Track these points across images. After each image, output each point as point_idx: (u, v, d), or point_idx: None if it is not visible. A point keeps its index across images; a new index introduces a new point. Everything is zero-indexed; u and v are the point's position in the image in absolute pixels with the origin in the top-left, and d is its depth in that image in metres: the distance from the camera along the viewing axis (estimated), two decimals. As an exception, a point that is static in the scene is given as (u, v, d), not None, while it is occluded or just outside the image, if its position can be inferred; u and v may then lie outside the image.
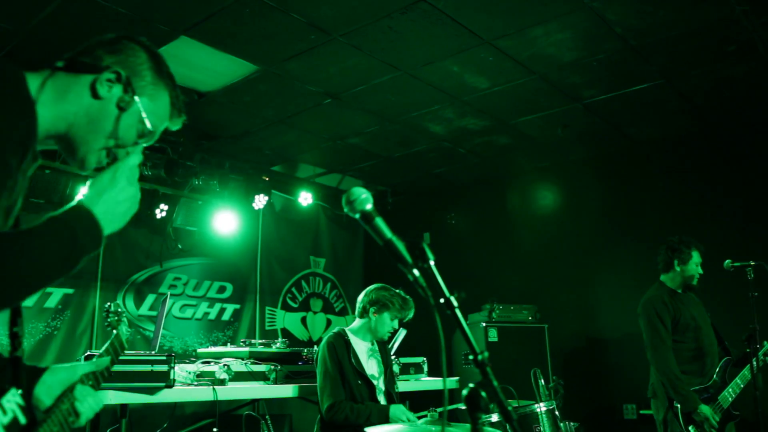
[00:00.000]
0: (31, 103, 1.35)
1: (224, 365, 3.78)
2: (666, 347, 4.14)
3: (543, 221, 6.79)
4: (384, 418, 3.55)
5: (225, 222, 6.43)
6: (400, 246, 1.49)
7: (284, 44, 4.53)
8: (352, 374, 3.69)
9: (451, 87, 5.20)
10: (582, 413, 5.82)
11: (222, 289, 6.68)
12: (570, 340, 6.28)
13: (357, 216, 1.51)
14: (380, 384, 3.85)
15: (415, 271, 1.47)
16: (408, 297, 3.95)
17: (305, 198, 6.97)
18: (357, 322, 3.95)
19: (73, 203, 1.32)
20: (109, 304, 2.00)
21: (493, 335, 5.84)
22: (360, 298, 3.96)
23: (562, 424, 3.18)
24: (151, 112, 1.47)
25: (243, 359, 4.04)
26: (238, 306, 6.75)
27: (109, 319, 1.96)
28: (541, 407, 3.10)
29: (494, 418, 3.12)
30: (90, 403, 1.62)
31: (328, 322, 7.53)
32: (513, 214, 7.03)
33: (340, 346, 3.78)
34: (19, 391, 1.44)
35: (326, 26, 4.28)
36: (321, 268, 7.66)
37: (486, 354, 1.37)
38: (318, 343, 7.21)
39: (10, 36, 4.42)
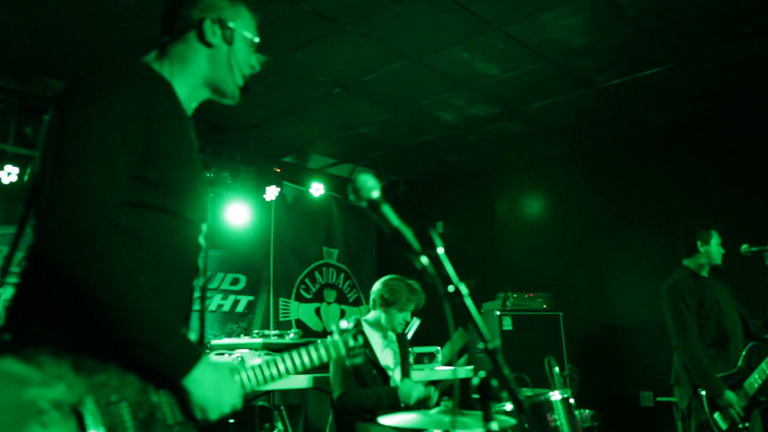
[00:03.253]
0: (167, 85, 1.60)
1: (238, 357, 3.78)
2: (691, 332, 4.04)
3: (557, 208, 6.73)
4: (394, 399, 3.54)
5: (237, 214, 6.43)
6: (408, 234, 1.46)
7: (291, 34, 4.51)
8: (365, 365, 3.68)
9: (461, 74, 5.15)
10: (598, 401, 5.77)
11: (235, 281, 6.69)
12: (585, 328, 6.23)
13: (363, 204, 1.49)
14: (396, 375, 3.84)
15: (424, 259, 1.45)
16: (417, 288, 3.92)
17: (317, 189, 6.96)
18: (372, 314, 3.94)
19: (195, 363, 1.41)
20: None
21: (507, 324, 5.81)
22: (372, 289, 3.95)
23: (577, 412, 3.15)
24: (245, 27, 1.75)
25: (256, 350, 4.04)
26: (251, 297, 6.76)
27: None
28: (555, 395, 3.07)
29: (508, 407, 3.10)
30: None
31: (342, 313, 7.52)
32: (525, 201, 6.98)
33: None
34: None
35: (333, 15, 4.25)
36: (334, 258, 7.65)
37: (497, 342, 1.35)
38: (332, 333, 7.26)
39: (17, 30, 4.43)
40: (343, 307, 7.59)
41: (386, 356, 3.85)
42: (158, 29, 1.74)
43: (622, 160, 6.36)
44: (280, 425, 2.74)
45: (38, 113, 5.02)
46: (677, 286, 4.21)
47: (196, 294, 1.72)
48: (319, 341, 1.95)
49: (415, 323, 4.76)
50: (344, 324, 2.14)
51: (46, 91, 5.30)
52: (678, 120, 6.03)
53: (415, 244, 1.47)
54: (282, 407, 4.14)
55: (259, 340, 4.10)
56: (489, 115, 5.97)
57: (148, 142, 1.44)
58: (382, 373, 3.75)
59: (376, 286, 3.93)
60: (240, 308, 6.66)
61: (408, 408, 3.50)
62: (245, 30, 1.74)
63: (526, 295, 6.02)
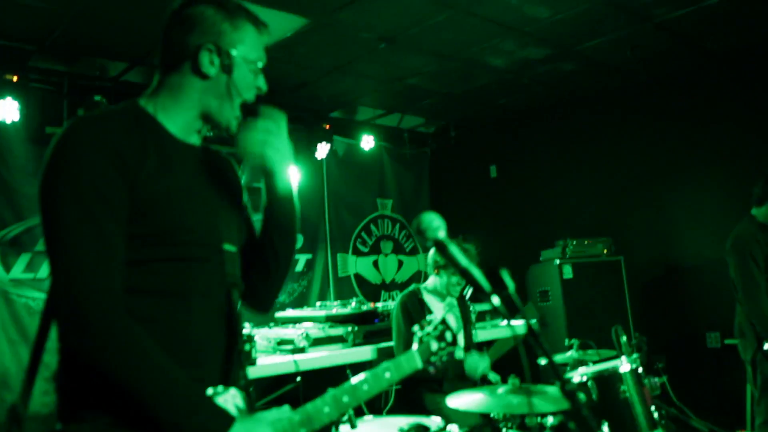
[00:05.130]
0: (149, 118, 1.52)
1: (303, 332, 3.85)
2: (759, 288, 3.90)
3: (613, 147, 6.49)
4: (459, 370, 3.56)
5: (290, 174, 6.42)
6: (477, 274, 1.42)
7: (334, -6, 4.38)
8: None
9: (510, 19, 4.92)
10: (663, 343, 5.72)
11: (293, 240, 6.75)
12: (647, 271, 6.10)
13: (429, 244, 1.46)
14: (459, 340, 3.85)
15: (495, 299, 1.41)
16: (468, 247, 3.84)
17: (367, 142, 6.88)
18: (430, 280, 3.93)
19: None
20: None
21: (567, 272, 5.74)
22: (427, 255, 3.94)
23: (646, 381, 3.11)
24: (249, 50, 1.60)
25: (320, 323, 4.10)
26: (310, 256, 6.84)
27: None
28: (624, 366, 3.03)
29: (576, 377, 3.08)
30: None
31: (400, 263, 7.56)
32: (581, 142, 6.75)
33: (413, 305, 3.78)
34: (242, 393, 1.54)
35: (376, -27, 4.09)
36: (389, 209, 7.64)
37: (573, 384, 1.32)
38: (391, 286, 7.35)
39: (57, 18, 4.42)
40: (401, 257, 7.62)
41: (448, 321, 3.85)
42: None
43: (683, 94, 6.04)
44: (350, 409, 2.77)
45: (88, 93, 5.05)
46: (745, 239, 4.04)
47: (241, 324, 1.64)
48: (385, 365, 1.76)
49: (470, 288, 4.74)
50: (428, 328, 1.99)
51: (94, 71, 5.33)
52: (745, 47, 5.66)
53: (485, 284, 1.43)
54: (348, 371, 4.13)
55: (322, 313, 4.15)
56: (541, 57, 5.73)
57: (130, 196, 1.38)
58: (445, 340, 3.76)
59: (432, 250, 3.91)
60: (299, 267, 6.76)
61: (473, 383, 3.53)
62: (249, 53, 1.59)
63: (586, 242, 5.91)
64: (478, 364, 3.57)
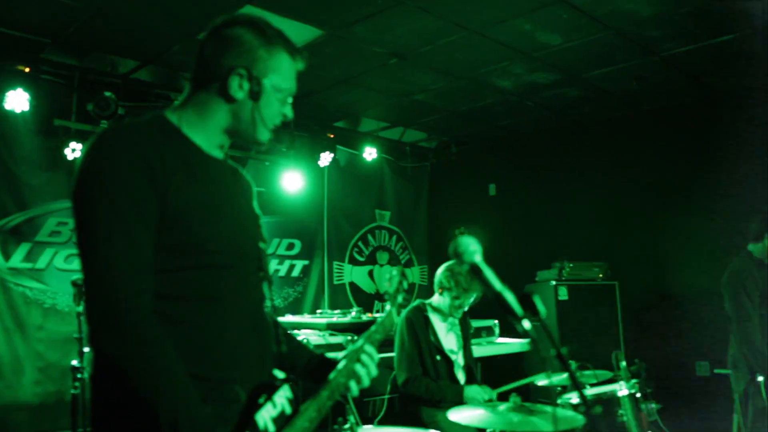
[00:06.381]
0: (175, 131, 1.54)
1: (305, 338, 3.88)
2: (752, 323, 4.01)
3: (613, 173, 6.59)
4: (459, 397, 3.60)
5: (292, 181, 6.48)
6: (510, 298, 1.47)
7: (351, 8, 4.44)
8: (429, 351, 3.74)
9: (522, 44, 5.01)
10: (653, 369, 5.78)
11: (290, 246, 6.80)
12: (641, 297, 6.18)
13: (465, 268, 1.50)
14: (459, 359, 3.90)
15: (526, 324, 1.46)
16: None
17: (370, 153, 6.94)
18: (435, 297, 3.97)
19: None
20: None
21: (563, 294, 5.81)
22: (436, 273, 3.98)
23: (643, 406, 3.17)
24: (280, 80, 1.60)
25: (320, 330, 4.14)
26: (306, 262, 6.87)
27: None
28: (622, 391, 3.09)
29: (574, 400, 3.14)
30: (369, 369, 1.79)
31: (395, 275, 7.59)
32: (581, 166, 6.85)
33: (419, 321, 3.81)
34: (289, 385, 1.59)
35: (395, -9, 4.16)
36: (386, 220, 7.69)
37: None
38: (384, 296, 7.38)
39: (76, 12, 4.44)
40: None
41: (450, 340, 3.91)
42: (215, 8, 1.62)
43: (684, 126, 6.15)
44: (351, 418, 2.82)
45: (98, 89, 5.07)
46: (740, 275, 4.15)
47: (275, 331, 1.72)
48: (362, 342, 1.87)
49: (471, 297, 4.79)
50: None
51: (104, 66, 5.35)
52: (746, 84, 5.78)
53: (518, 309, 1.48)
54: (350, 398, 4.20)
55: (323, 320, 4.19)
56: (548, 82, 5.82)
57: (159, 207, 1.41)
58: (446, 359, 3.80)
59: (439, 270, 3.95)
60: (296, 273, 6.79)
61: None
62: (280, 83, 1.60)
63: (582, 265, 5.99)
64: (477, 395, 3.59)
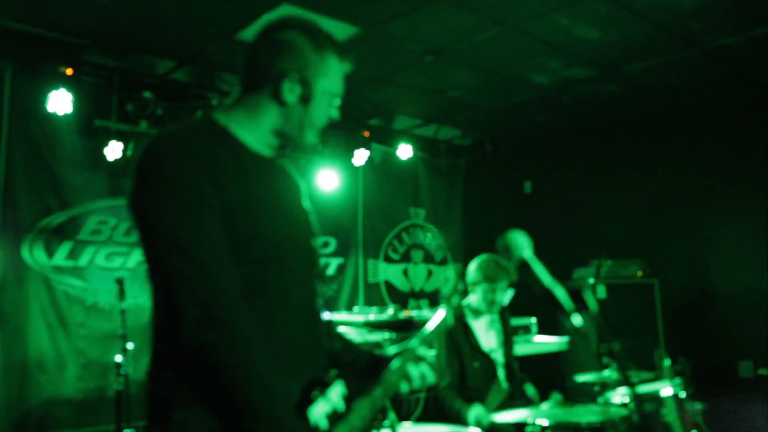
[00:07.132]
0: (224, 131, 1.55)
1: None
2: None
3: (652, 169, 6.47)
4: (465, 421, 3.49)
5: (327, 179, 6.50)
6: (560, 294, 1.45)
7: (386, 6, 4.44)
8: (469, 356, 3.69)
9: (559, 39, 4.96)
10: (694, 369, 5.67)
11: (326, 245, 6.82)
12: (682, 295, 6.06)
13: (515, 263, 1.49)
14: (499, 356, 3.85)
15: (575, 319, 1.44)
16: (501, 267, 3.80)
17: (404, 151, 6.92)
18: (471, 297, 3.93)
19: None
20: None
21: (601, 292, 5.73)
22: (468, 271, 3.93)
23: (688, 406, 3.11)
24: (330, 83, 1.62)
25: (358, 328, 4.15)
26: (342, 260, 6.89)
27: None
28: (666, 390, 3.04)
29: (618, 398, 3.09)
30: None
31: (429, 273, 7.59)
32: (618, 162, 6.74)
33: (457, 330, 3.76)
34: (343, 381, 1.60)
35: (431, -12, 4.14)
36: (421, 219, 7.68)
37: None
38: (419, 294, 7.37)
39: (115, 15, 4.52)
40: (430, 266, 7.65)
41: (489, 338, 3.86)
42: (253, 7, 1.62)
43: (727, 120, 6.02)
44: (391, 414, 2.81)
45: (137, 89, 5.15)
46: None
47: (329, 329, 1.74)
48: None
49: (508, 294, 4.73)
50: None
51: (143, 67, 5.43)
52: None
53: (567, 304, 1.46)
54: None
55: (360, 318, 4.19)
56: (585, 77, 5.75)
57: (220, 199, 1.43)
58: (487, 360, 3.74)
59: (471, 268, 3.90)
60: (331, 271, 6.81)
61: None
62: (330, 86, 1.62)
63: (621, 263, 5.89)
64: (482, 419, 3.46)
